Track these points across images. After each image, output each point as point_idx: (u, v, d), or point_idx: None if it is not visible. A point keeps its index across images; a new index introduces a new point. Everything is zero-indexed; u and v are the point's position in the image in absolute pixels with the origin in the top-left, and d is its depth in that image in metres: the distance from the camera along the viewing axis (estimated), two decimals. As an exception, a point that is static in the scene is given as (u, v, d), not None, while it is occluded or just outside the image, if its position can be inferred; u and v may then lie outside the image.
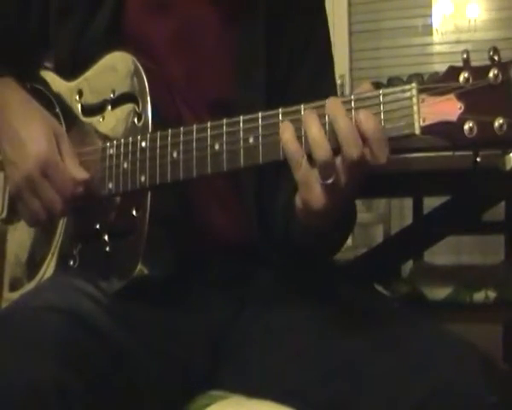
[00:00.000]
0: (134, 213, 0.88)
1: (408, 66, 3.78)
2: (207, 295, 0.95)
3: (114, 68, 0.93)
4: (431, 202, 2.21)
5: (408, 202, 2.91)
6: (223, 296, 0.95)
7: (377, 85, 1.57)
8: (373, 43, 4.08)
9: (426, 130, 0.71)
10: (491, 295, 1.88)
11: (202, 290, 0.94)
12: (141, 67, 0.89)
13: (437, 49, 4.00)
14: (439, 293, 1.92)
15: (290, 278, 0.96)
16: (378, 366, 0.81)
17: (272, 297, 0.96)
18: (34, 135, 0.91)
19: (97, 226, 0.92)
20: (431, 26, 4.00)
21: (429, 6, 4.00)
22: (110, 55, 0.94)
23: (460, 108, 0.69)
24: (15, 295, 0.99)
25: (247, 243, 0.95)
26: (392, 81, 1.52)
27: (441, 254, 2.91)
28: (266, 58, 0.98)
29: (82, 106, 0.98)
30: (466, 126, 0.69)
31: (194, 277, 0.93)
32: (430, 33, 4.01)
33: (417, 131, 0.71)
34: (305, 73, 1.02)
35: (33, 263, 1.00)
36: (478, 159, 0.71)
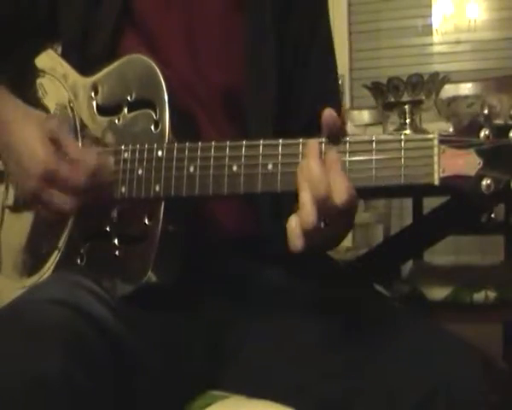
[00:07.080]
0: (146, 221, 0.87)
1: (408, 66, 3.79)
2: (208, 295, 0.95)
3: (134, 71, 0.92)
4: (431, 202, 2.21)
5: (408, 202, 2.90)
6: (223, 296, 0.95)
7: (377, 85, 1.56)
8: (373, 43, 4.09)
9: (444, 181, 0.71)
10: (491, 295, 1.88)
11: (203, 290, 0.94)
12: (161, 76, 0.89)
13: (437, 49, 4.01)
14: (439, 293, 1.92)
15: (291, 277, 0.96)
16: (378, 366, 0.81)
17: (273, 296, 0.96)
18: (29, 146, 0.90)
19: (107, 228, 0.91)
20: (431, 26, 4.01)
21: (429, 6, 4.01)
22: (130, 57, 0.93)
23: (479, 163, 0.70)
24: (13, 283, 0.99)
25: (253, 239, 0.95)
26: (392, 81, 1.51)
27: (441, 254, 2.91)
28: (274, 46, 0.99)
29: (97, 104, 0.96)
30: (483, 182, 0.70)
31: (195, 276, 0.93)
32: (430, 33, 4.01)
33: (436, 182, 0.72)
34: (311, 65, 1.03)
35: (38, 256, 0.99)
36: (492, 215, 0.72)
